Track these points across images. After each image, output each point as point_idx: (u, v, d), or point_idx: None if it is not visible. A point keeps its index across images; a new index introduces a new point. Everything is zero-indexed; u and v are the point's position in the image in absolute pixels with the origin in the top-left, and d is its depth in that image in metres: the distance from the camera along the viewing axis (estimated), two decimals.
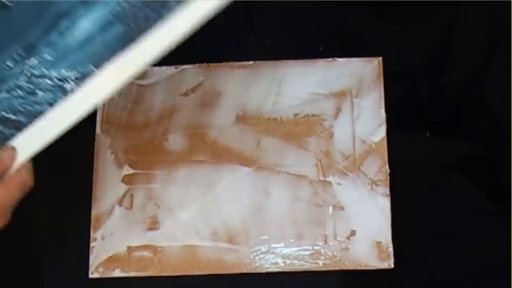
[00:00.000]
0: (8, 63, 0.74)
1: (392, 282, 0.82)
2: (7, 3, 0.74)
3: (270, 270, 0.85)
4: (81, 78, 0.73)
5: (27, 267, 0.87)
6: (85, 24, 0.73)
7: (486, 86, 0.89)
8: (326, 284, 0.82)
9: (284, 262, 0.85)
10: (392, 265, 0.83)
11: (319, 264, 0.85)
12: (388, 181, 0.85)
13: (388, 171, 0.85)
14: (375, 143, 0.86)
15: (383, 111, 0.87)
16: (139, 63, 0.72)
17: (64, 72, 0.73)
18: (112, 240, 0.88)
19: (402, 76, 0.90)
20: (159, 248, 0.87)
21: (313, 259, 0.85)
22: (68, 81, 0.73)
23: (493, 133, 0.89)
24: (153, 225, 0.88)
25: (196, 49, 0.88)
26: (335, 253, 0.84)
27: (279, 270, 0.85)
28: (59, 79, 0.73)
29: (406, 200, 0.84)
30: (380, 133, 0.87)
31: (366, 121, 0.87)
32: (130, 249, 0.87)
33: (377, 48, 0.89)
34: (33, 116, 0.74)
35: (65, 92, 0.73)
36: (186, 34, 0.70)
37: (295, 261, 0.85)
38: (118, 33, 0.72)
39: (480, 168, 0.88)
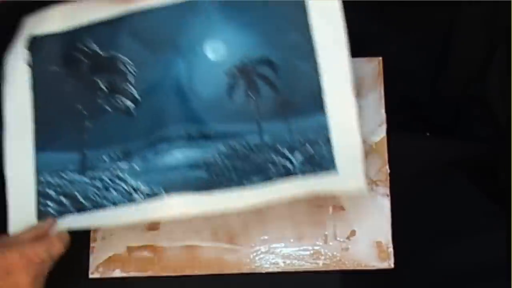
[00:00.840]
0: (105, 157, 0.84)
1: (392, 282, 0.82)
2: (133, 112, 0.83)
3: (270, 270, 0.85)
4: (150, 195, 0.81)
5: None
6: (178, 155, 0.81)
7: (486, 86, 0.89)
8: (326, 284, 0.82)
9: (284, 262, 0.85)
10: (392, 265, 0.83)
11: (319, 264, 0.85)
12: (388, 181, 0.85)
13: (388, 171, 0.85)
14: (375, 143, 0.87)
15: (383, 111, 0.87)
16: (200, 209, 0.80)
17: (140, 185, 0.82)
18: (112, 240, 0.88)
19: (402, 76, 0.90)
20: (159, 248, 0.87)
21: (313, 259, 0.85)
22: (138, 193, 0.82)
23: (493, 133, 0.89)
24: (153, 225, 0.88)
25: None
26: (335, 253, 0.84)
27: (279, 270, 0.85)
28: (133, 188, 0.82)
29: (406, 200, 0.85)
30: (380, 133, 0.87)
31: (366, 121, 0.87)
32: (130, 249, 0.87)
33: (377, 48, 0.89)
34: (97, 206, 0.83)
35: (131, 200, 0.82)
36: (251, 208, 0.79)
37: (295, 261, 0.85)
38: (200, 178, 0.81)
39: (480, 168, 0.88)
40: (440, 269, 0.82)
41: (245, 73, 0.82)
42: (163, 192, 0.80)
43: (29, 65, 0.87)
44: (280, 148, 0.80)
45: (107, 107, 0.85)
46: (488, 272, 0.81)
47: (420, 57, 0.88)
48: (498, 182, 0.88)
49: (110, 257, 0.87)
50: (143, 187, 0.81)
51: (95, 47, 0.86)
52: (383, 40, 0.90)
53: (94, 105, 0.85)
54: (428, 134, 0.87)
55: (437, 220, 0.84)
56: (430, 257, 0.82)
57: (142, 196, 0.81)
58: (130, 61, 0.85)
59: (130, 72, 0.85)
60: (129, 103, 0.84)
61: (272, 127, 0.80)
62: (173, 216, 0.80)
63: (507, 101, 0.87)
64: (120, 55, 0.85)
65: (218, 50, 0.83)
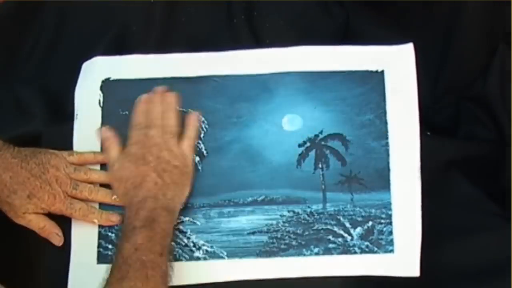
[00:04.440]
0: None
1: (393, 282, 0.81)
2: (200, 168, 0.85)
3: None
4: (211, 255, 0.83)
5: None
6: (243, 220, 0.84)
7: (486, 86, 0.89)
8: (328, 283, 0.82)
9: None
10: None
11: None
12: None
13: None
14: None
15: None
16: (260, 274, 0.82)
17: (201, 242, 0.83)
18: None
19: None
20: None
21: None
22: (199, 250, 0.83)
23: (493, 133, 0.89)
24: None
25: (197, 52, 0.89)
26: None
27: None
28: (194, 244, 0.83)
29: None
30: None
31: None
32: None
33: None
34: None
35: (191, 257, 0.83)
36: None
37: None
38: (261, 242, 0.83)
39: (480, 168, 0.88)
40: (440, 268, 0.82)
41: (317, 145, 0.85)
42: (225, 255, 0.83)
43: (101, 106, 0.87)
44: (342, 219, 0.83)
45: None
46: (488, 271, 0.82)
47: (420, 58, 0.88)
48: (498, 182, 0.88)
49: None
50: (204, 246, 0.83)
51: None
52: (383, 40, 0.90)
53: None
54: (428, 133, 0.87)
55: (437, 219, 0.84)
56: (430, 257, 0.82)
57: (203, 254, 0.83)
58: (204, 119, 0.87)
59: (202, 129, 0.86)
60: (195, 157, 0.86)
61: (336, 198, 0.84)
62: (232, 279, 0.82)
63: (507, 101, 0.87)
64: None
65: (294, 123, 0.86)
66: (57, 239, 0.84)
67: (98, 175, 0.85)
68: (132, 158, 0.83)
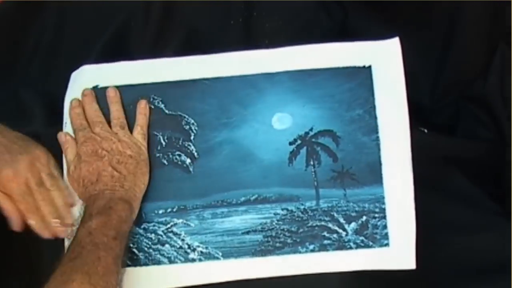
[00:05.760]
0: (160, 211, 0.85)
1: (390, 275, 0.81)
2: (191, 169, 0.86)
3: None
4: (206, 256, 0.84)
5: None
6: (237, 220, 0.84)
7: (486, 86, 0.89)
8: (325, 279, 0.82)
9: None
10: None
11: None
12: None
13: None
14: None
15: None
16: (256, 273, 0.83)
17: (196, 244, 0.84)
18: None
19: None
20: None
21: None
22: (194, 252, 0.84)
23: (493, 133, 0.89)
24: None
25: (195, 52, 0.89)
26: None
27: None
28: (188, 246, 0.84)
29: None
30: None
31: None
32: None
33: None
34: (152, 261, 0.84)
35: (186, 259, 0.84)
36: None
37: None
38: (256, 241, 0.84)
39: (480, 168, 0.88)
40: (440, 267, 0.82)
41: (308, 142, 0.86)
42: (221, 256, 0.84)
43: None
44: (335, 215, 0.84)
45: (164, 161, 0.87)
46: (488, 270, 0.82)
47: (421, 58, 0.88)
48: (498, 182, 0.88)
49: None
50: (199, 247, 0.84)
51: (161, 105, 0.88)
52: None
53: (151, 158, 0.87)
54: (426, 131, 0.87)
55: (436, 219, 0.84)
56: (430, 256, 0.82)
57: (198, 256, 0.84)
58: (194, 121, 0.87)
59: (192, 131, 0.87)
60: (187, 159, 0.86)
61: (329, 194, 0.84)
62: (228, 279, 0.83)
63: (507, 101, 0.86)
64: (185, 115, 0.87)
65: (284, 122, 0.87)
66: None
67: (58, 196, 0.84)
68: (85, 157, 0.84)
